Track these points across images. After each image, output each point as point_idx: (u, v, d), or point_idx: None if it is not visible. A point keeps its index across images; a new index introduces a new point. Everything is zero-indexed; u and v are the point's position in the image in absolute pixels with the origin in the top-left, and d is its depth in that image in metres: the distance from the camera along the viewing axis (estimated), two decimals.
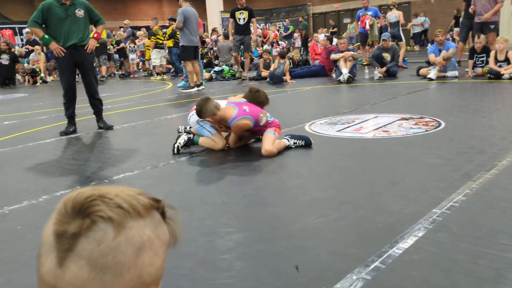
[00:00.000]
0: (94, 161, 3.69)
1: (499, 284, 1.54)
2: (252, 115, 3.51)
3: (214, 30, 16.37)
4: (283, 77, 9.26)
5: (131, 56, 14.20)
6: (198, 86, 8.65)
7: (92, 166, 3.54)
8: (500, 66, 7.11)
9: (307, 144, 3.61)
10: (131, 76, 13.96)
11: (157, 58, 12.26)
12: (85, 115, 5.79)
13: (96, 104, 5.08)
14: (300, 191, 2.64)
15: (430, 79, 7.58)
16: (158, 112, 6.26)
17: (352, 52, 8.64)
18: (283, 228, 2.13)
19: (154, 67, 12.66)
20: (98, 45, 5.11)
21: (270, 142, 3.49)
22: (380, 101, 5.86)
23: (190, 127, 4.04)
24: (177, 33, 9.04)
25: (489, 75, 7.13)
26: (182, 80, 9.59)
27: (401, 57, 10.24)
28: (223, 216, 2.31)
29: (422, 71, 8.13)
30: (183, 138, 3.69)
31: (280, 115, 5.35)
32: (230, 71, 10.90)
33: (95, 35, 4.91)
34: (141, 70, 15.30)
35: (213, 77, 10.81)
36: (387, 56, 8.83)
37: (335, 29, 22.50)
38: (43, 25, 4.74)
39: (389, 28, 11.27)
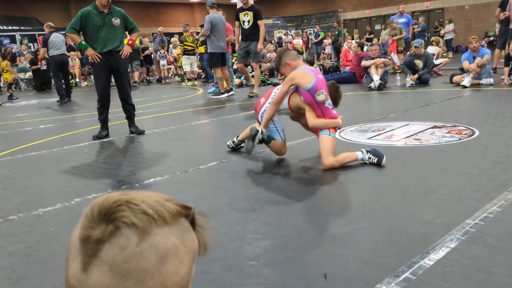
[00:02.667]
0: (126, 165, 3.76)
1: None
2: (320, 83, 3.27)
3: None
4: None
5: (162, 62, 14.46)
6: (228, 92, 8.71)
7: (124, 170, 3.61)
8: None
9: (378, 163, 3.16)
10: (163, 81, 14.21)
11: (187, 64, 12.44)
12: (118, 119, 5.92)
13: (129, 109, 5.19)
14: (330, 199, 2.61)
15: (464, 87, 7.39)
16: (189, 118, 6.34)
17: (383, 59, 8.53)
18: (312, 235, 2.11)
19: (185, 73, 12.85)
20: (131, 51, 5.21)
21: (329, 152, 3.20)
22: (412, 108, 5.75)
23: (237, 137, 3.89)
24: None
25: None
26: (213, 86, 9.69)
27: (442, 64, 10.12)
28: (252, 222, 2.31)
29: (456, 78, 7.94)
30: (259, 132, 3.38)
31: None
32: (261, 77, 10.94)
33: (130, 42, 5.03)
34: (173, 76, 15.55)
35: (244, 83, 10.87)
36: (419, 63, 8.68)
37: (371, 35, 22.28)
38: (81, 32, 4.89)
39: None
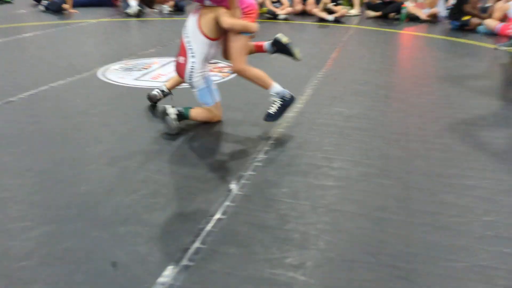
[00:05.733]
0: None
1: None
2: None
3: None
4: (63, 5, 8.17)
5: None
6: None
7: None
8: (275, 7, 7.69)
9: (285, 99, 2.81)
10: None
11: None
12: None
13: None
14: (108, 160, 2.41)
15: None
16: None
17: None
18: (92, 212, 1.92)
19: None
20: None
21: (242, 53, 2.77)
22: (173, 40, 5.71)
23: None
24: None
25: (267, 14, 7.66)
26: None
27: None
28: (13, 205, 1.96)
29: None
30: (173, 111, 2.71)
31: (64, 55, 4.76)
32: None
33: None
34: None
35: None
36: None
37: None
38: None
39: None
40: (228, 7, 2.72)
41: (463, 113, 3.17)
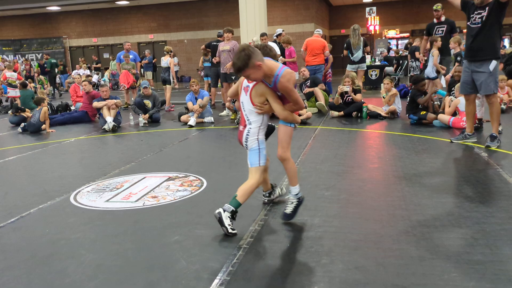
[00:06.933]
0: None
1: None
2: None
3: None
4: (42, 126, 8.49)
5: None
6: None
7: None
8: None
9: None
10: None
11: None
12: None
13: None
14: None
15: (191, 126, 8.12)
16: None
17: (115, 100, 8.56)
18: None
19: None
20: None
21: (288, 144, 3.28)
22: (147, 155, 5.95)
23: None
24: None
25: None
26: None
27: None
28: None
29: (183, 117, 8.63)
30: (227, 216, 3.08)
31: (39, 181, 4.89)
32: None
33: None
34: None
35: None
36: (148, 103, 9.07)
37: (99, 65, 21.92)
38: None
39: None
40: (287, 102, 3.18)
41: (419, 214, 3.35)
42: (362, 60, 10.57)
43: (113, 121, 8.27)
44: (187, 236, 3.16)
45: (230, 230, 3.05)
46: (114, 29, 24.52)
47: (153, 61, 18.51)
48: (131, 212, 3.77)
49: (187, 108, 8.89)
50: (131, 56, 11.97)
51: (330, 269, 2.56)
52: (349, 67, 10.53)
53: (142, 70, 15.98)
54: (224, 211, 3.07)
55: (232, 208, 3.09)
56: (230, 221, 3.08)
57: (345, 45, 10.65)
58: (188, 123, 8.23)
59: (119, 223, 3.52)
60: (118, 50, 22.17)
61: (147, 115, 8.79)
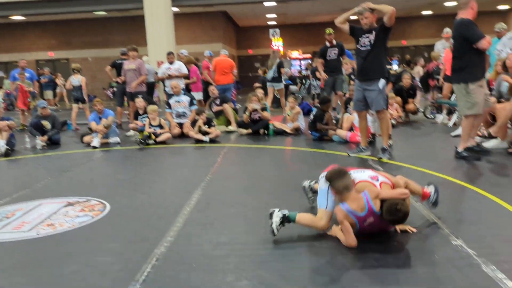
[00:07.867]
0: None
1: None
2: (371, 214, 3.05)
3: None
4: None
5: None
6: None
7: None
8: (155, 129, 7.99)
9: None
10: None
11: None
12: None
13: None
14: None
15: (95, 147, 7.75)
16: None
17: (7, 122, 7.91)
18: None
19: None
20: None
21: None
22: (45, 179, 5.56)
23: (315, 183, 3.80)
24: None
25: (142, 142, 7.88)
26: None
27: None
28: None
29: (86, 138, 8.22)
30: (278, 215, 3.17)
31: None
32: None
33: None
34: None
35: None
36: (46, 123, 8.48)
37: None
38: None
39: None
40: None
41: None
42: (275, 80, 11.33)
43: (6, 144, 7.62)
44: (85, 265, 2.98)
45: (274, 227, 3.15)
46: (9, 46, 22.78)
47: (54, 79, 17.49)
48: (23, 243, 3.47)
49: (90, 129, 8.48)
50: (27, 74, 11.17)
51: (234, 286, 2.57)
52: (268, 84, 11.47)
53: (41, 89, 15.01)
54: (279, 210, 3.22)
55: (286, 213, 3.21)
56: (280, 222, 3.16)
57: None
58: (91, 144, 7.85)
59: (9, 256, 3.23)
60: (13, 68, 20.60)
61: (45, 137, 8.23)
